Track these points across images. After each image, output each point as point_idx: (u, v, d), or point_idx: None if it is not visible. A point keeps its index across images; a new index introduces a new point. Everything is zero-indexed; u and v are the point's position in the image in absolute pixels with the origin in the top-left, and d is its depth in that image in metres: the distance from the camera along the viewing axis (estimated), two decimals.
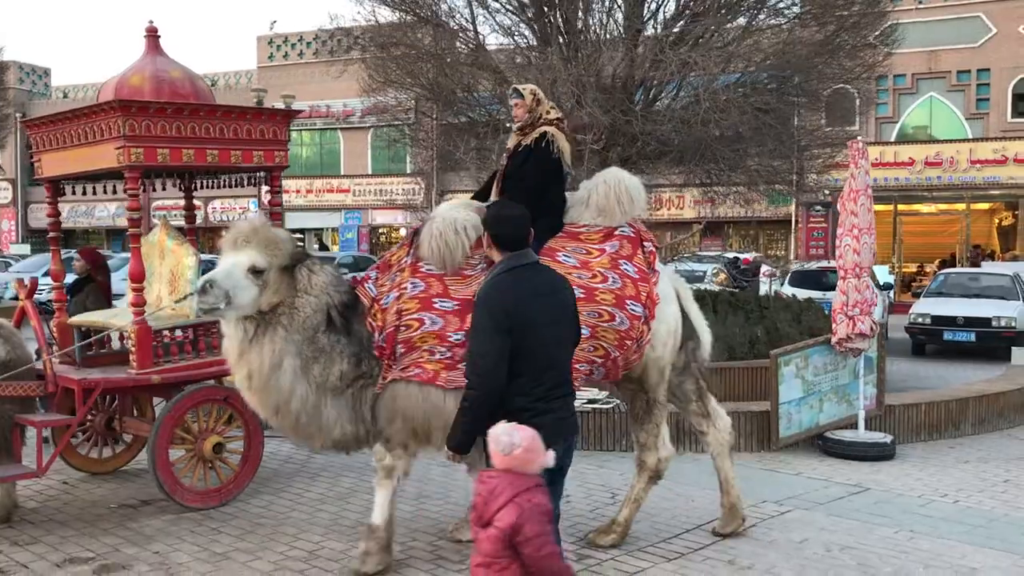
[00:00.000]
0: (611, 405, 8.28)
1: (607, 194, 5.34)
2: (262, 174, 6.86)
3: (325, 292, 4.80)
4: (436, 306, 4.83)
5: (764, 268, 23.22)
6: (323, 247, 33.70)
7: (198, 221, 7.93)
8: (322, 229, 35.43)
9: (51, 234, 6.92)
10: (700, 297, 12.16)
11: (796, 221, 29.01)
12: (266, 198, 6.84)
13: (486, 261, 4.78)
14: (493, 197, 5.28)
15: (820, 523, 6.00)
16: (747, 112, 10.08)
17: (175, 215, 36.26)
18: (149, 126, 5.97)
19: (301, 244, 5.03)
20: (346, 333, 4.83)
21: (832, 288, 16.27)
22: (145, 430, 6.70)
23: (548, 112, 5.26)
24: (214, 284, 4.61)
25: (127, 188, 6.04)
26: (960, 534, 5.77)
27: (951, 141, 26.95)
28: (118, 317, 6.48)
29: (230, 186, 7.41)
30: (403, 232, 32.50)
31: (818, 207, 28.06)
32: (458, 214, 4.96)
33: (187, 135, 6.14)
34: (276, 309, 4.74)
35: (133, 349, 6.06)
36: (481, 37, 12.25)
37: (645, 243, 5.39)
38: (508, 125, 5.51)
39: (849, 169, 8.15)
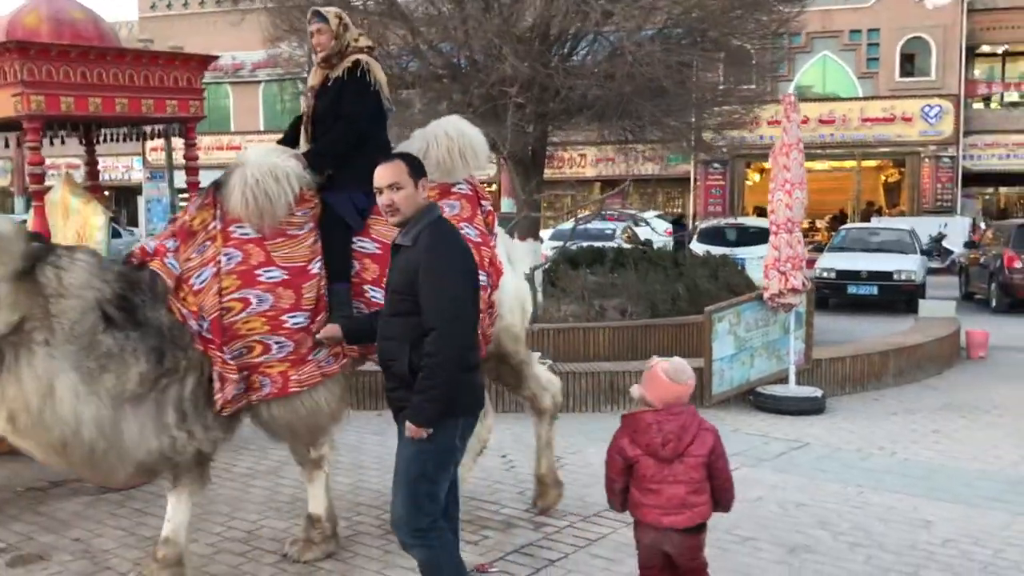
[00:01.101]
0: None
1: (449, 148, 4.69)
2: (175, 126, 6.34)
3: (89, 288, 3.74)
4: (261, 279, 4.11)
5: (666, 227, 23.50)
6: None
7: (80, 179, 7.23)
8: None
9: None
10: (619, 255, 12.21)
11: (695, 179, 29.43)
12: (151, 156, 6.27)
13: (311, 218, 4.33)
14: (303, 145, 4.65)
15: (769, 480, 5.97)
16: (671, 67, 9.93)
17: (52, 174, 34.39)
18: (51, 71, 5.41)
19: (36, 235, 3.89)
20: (135, 325, 3.88)
21: (737, 244, 16.72)
22: None
23: (357, 39, 4.65)
24: None
25: (27, 140, 5.46)
26: (906, 487, 5.82)
27: (843, 99, 27.73)
28: None
29: (116, 141, 6.81)
30: None
31: (716, 165, 28.54)
32: (276, 159, 4.24)
33: (93, 82, 5.59)
34: (22, 326, 3.62)
35: None
36: None
37: (483, 202, 4.90)
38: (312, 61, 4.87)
39: (781, 124, 8.11)
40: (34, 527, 5.07)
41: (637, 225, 21.84)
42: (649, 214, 24.55)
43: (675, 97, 11.77)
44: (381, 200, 3.55)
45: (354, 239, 4.43)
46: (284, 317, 4.14)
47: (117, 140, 6.81)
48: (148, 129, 6.65)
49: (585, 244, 13.52)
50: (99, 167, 7.03)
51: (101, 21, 6.16)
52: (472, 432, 3.68)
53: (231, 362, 4.06)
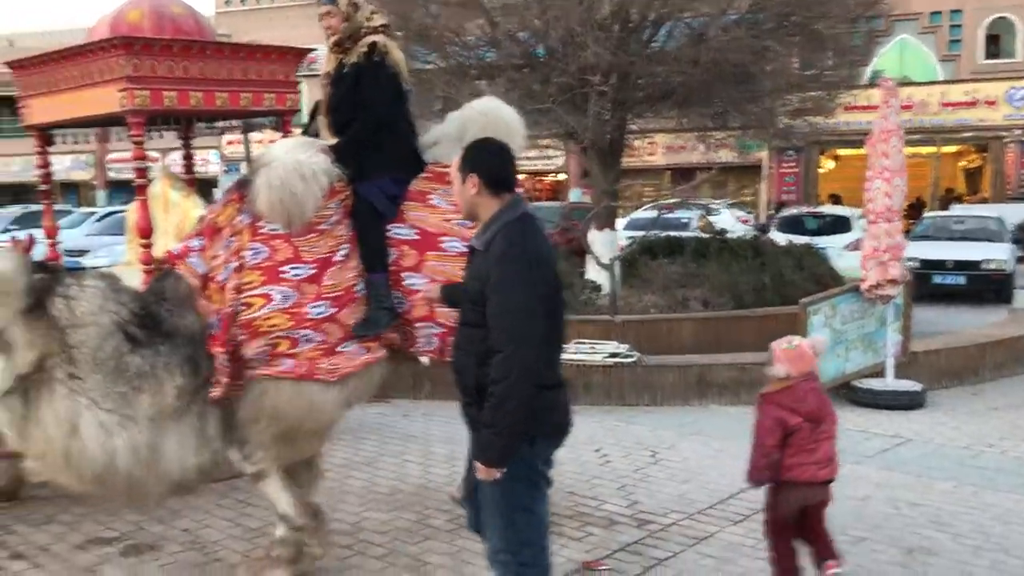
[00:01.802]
0: (633, 358, 8.00)
1: (484, 127, 4.43)
2: (272, 119, 6.37)
3: (104, 313, 3.65)
4: (286, 275, 3.93)
5: (740, 215, 23.14)
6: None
7: (156, 173, 7.26)
8: None
9: (42, 187, 6.37)
10: (700, 245, 12.01)
11: (768, 167, 28.87)
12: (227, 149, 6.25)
13: (343, 210, 4.17)
14: (325, 136, 4.43)
15: (875, 478, 5.79)
16: (756, 52, 9.69)
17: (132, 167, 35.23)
18: (154, 66, 5.42)
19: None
20: (163, 339, 3.77)
21: (817, 233, 16.31)
22: None
23: (371, 18, 4.38)
24: None
25: (131, 135, 5.51)
26: (1021, 487, 5.60)
27: (923, 84, 26.89)
28: (124, 276, 5.98)
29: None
30: None
31: (790, 152, 27.93)
32: (301, 155, 4.02)
33: (195, 76, 5.59)
34: (43, 363, 3.55)
35: None
36: None
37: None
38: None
39: (879, 109, 7.85)
40: (143, 518, 5.14)
41: (709, 214, 21.55)
42: (719, 203, 24.23)
43: (758, 83, 11.53)
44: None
45: (389, 226, 4.26)
46: (307, 309, 3.95)
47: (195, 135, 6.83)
48: (223, 123, 6.71)
49: (661, 234, 13.33)
50: (193, 161, 7.08)
51: (200, 15, 6.20)
52: (551, 457, 3.27)
53: (226, 365, 3.84)
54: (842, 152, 29.16)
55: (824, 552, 4.11)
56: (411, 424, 7.28)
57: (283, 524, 4.19)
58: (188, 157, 7.00)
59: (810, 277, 11.25)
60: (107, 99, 5.48)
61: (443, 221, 4.32)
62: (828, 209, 18.70)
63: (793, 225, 16.54)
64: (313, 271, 3.99)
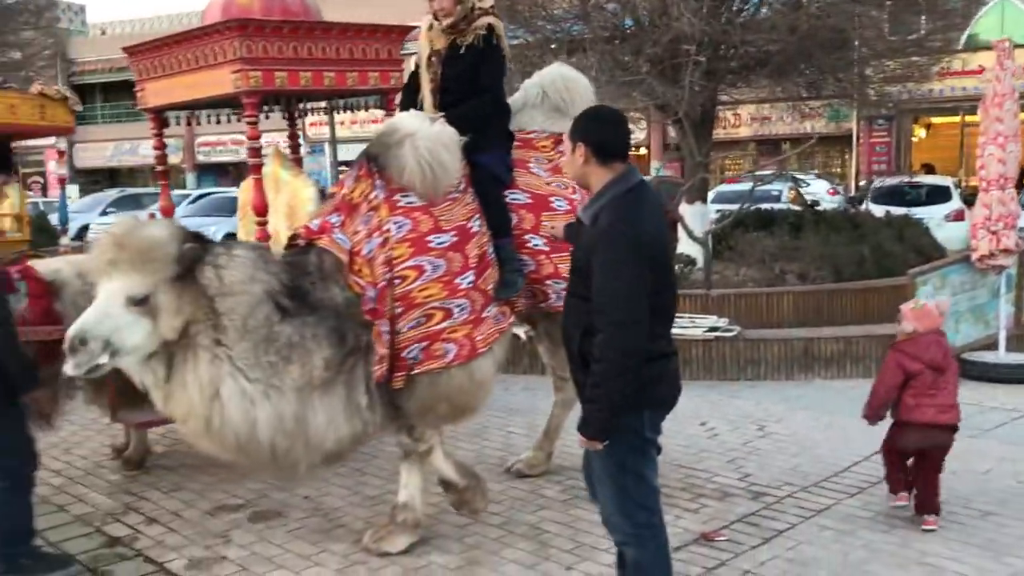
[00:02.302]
0: (734, 332, 7.92)
1: (564, 90, 4.79)
2: (374, 98, 6.46)
3: (254, 282, 3.70)
4: (432, 245, 4.05)
5: (829, 187, 22.57)
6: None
7: (231, 157, 7.37)
8: None
9: (158, 167, 6.58)
10: (798, 217, 11.77)
11: (857, 136, 28.06)
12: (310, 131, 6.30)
13: (466, 180, 4.30)
14: (430, 110, 4.54)
15: (996, 452, 5.65)
16: (858, 17, 9.42)
17: (219, 150, 36.10)
18: (266, 47, 5.54)
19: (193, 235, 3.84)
20: (310, 310, 3.81)
21: (915, 204, 15.81)
22: None
23: None
24: (86, 338, 3.46)
25: (246, 116, 5.65)
26: None
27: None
28: None
29: (273, 118, 6.93)
30: None
31: (881, 120, 27.10)
32: (440, 127, 4.15)
33: (304, 56, 5.70)
34: (188, 329, 3.63)
35: None
36: None
37: None
38: (435, 23, 4.61)
39: (993, 71, 7.56)
40: (265, 485, 5.31)
41: (800, 186, 21.07)
42: (808, 174, 23.68)
43: (853, 49, 11.22)
44: None
45: (505, 193, 4.52)
46: (458, 280, 4.10)
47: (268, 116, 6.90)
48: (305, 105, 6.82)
49: (751, 206, 13.10)
50: (298, 140, 7.22)
51: None
52: (660, 428, 3.29)
53: (386, 334, 3.95)
54: (935, 120, 28.18)
55: (928, 505, 4.56)
56: (512, 397, 7.34)
57: (443, 489, 4.52)
58: (293, 137, 7.14)
59: (911, 249, 10.94)
60: (221, 81, 5.62)
61: (546, 184, 4.66)
62: (926, 179, 18.07)
63: (889, 196, 16.05)
64: (455, 239, 4.13)
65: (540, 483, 5.24)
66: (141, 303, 3.56)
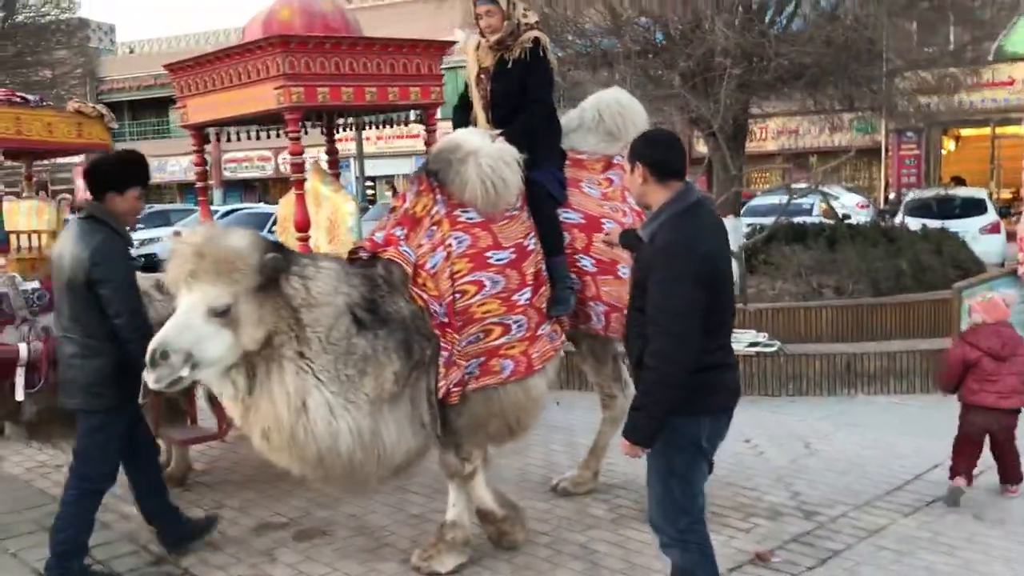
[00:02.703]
0: (774, 347, 7.81)
1: (622, 114, 4.80)
2: (415, 112, 6.44)
3: (337, 294, 3.67)
4: (491, 261, 4.07)
5: (859, 200, 22.35)
6: (396, 193, 33.56)
7: (269, 172, 7.34)
8: (393, 176, 35.15)
9: (198, 184, 6.59)
10: (834, 231, 11.64)
11: (886, 149, 27.83)
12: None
13: (523, 197, 4.29)
14: (484, 127, 4.59)
15: None
16: (896, 29, 9.33)
17: (245, 167, 36.35)
18: (308, 63, 5.53)
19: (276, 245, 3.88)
20: (381, 323, 3.79)
21: (949, 217, 15.60)
22: None
23: (525, 15, 4.53)
24: (168, 351, 3.40)
25: (288, 131, 5.65)
26: None
27: None
28: None
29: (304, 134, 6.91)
30: None
31: (910, 133, 26.87)
32: (501, 145, 4.16)
33: (346, 72, 5.68)
34: (271, 341, 3.58)
35: None
36: None
37: None
38: (482, 41, 4.69)
39: None
40: (308, 503, 5.28)
41: (829, 199, 20.87)
42: (837, 188, 23.46)
43: (888, 61, 11.12)
44: None
45: (559, 211, 4.52)
46: (515, 296, 4.12)
47: (306, 133, 6.85)
48: (341, 120, 6.81)
49: (783, 219, 12.98)
50: (338, 156, 7.20)
51: (346, 12, 6.30)
52: (721, 435, 3.42)
53: (462, 347, 3.98)
54: (965, 132, 27.91)
55: (1009, 475, 5.15)
56: (551, 414, 7.22)
57: (480, 520, 4.39)
58: (332, 152, 7.12)
59: (949, 262, 10.82)
60: (263, 97, 5.62)
61: (599, 206, 4.62)
62: (961, 191, 17.86)
63: (922, 209, 15.87)
64: (513, 256, 4.14)
65: (587, 502, 5.17)
66: (222, 314, 3.49)
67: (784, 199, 14.06)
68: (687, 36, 10.61)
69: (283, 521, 5.02)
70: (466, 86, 4.83)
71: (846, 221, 14.41)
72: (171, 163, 38.58)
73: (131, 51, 39.82)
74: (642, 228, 3.40)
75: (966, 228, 13.94)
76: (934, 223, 13.72)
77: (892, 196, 25.94)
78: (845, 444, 6.18)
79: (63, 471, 5.89)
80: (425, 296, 3.92)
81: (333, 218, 6.08)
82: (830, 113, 12.71)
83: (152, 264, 19.62)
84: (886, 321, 9.13)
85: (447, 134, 4.54)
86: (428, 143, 6.33)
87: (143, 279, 5.72)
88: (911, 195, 18.97)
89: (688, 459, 3.28)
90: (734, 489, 5.29)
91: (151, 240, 22.00)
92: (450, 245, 4.02)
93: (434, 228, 4.06)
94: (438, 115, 6.27)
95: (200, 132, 6.42)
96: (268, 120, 6.37)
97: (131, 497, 5.29)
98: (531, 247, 4.26)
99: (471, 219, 4.09)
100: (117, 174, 4.32)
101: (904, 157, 27.50)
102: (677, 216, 3.21)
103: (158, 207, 28.41)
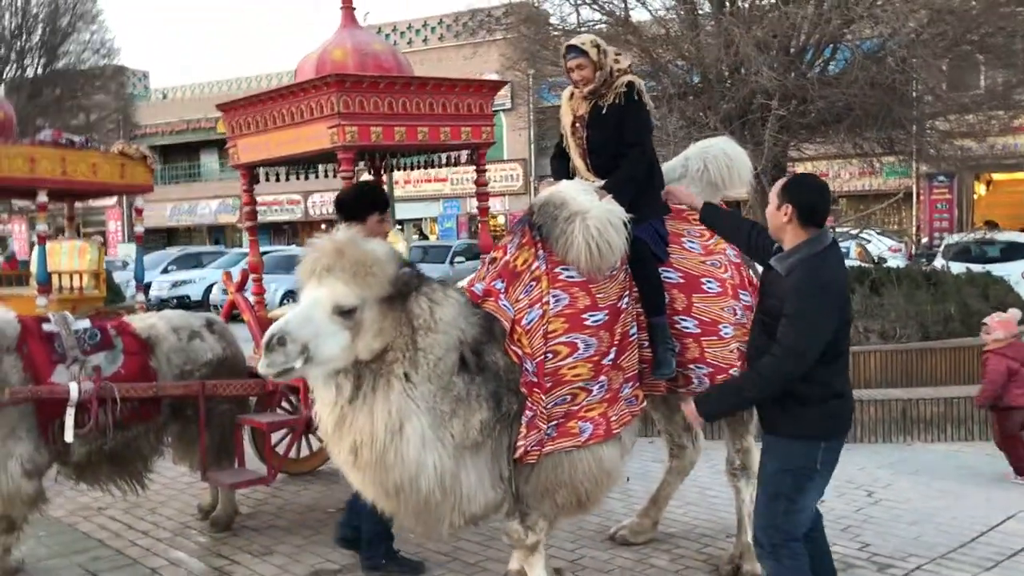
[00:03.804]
0: None
1: (726, 167, 4.69)
2: (464, 153, 6.40)
3: (456, 327, 3.62)
4: (587, 323, 3.94)
5: (891, 244, 22.16)
6: (423, 237, 33.64)
7: (298, 215, 7.26)
8: (421, 219, 35.31)
9: (248, 224, 6.56)
10: (878, 276, 11.46)
11: (917, 193, 27.62)
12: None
13: (624, 255, 4.13)
14: (587, 177, 4.45)
15: None
16: (941, 71, 9.24)
17: (275, 209, 36.63)
18: (362, 102, 5.51)
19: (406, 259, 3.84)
20: (479, 370, 3.72)
21: (988, 260, 15.38)
22: None
23: (617, 60, 4.43)
24: (286, 338, 3.37)
25: (341, 170, 5.60)
26: None
27: None
28: None
29: (330, 176, 6.88)
30: (501, 220, 32.21)
31: (941, 178, 26.66)
32: (610, 205, 4.04)
33: (399, 111, 5.66)
34: (384, 356, 3.52)
35: None
36: (629, 11, 11.62)
37: None
38: (575, 91, 4.58)
39: None
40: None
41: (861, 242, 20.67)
42: (871, 232, 23.24)
43: (927, 104, 11.02)
44: None
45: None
46: (603, 359, 3.97)
47: (309, 178, 6.86)
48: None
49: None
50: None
51: (398, 52, 6.31)
52: (835, 460, 3.62)
53: (548, 409, 3.84)
54: (997, 177, 27.69)
55: None
56: None
57: None
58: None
59: (997, 306, 10.53)
60: (317, 136, 5.59)
61: (700, 264, 4.42)
62: (1002, 235, 17.64)
63: (963, 253, 15.65)
64: (607, 318, 3.99)
65: (647, 552, 4.99)
66: (347, 315, 3.45)
67: (840, 241, 13.93)
68: (722, 78, 10.58)
69: (335, 568, 4.87)
70: (561, 136, 4.72)
71: (883, 265, 14.26)
72: (201, 206, 39.00)
73: (164, 96, 40.46)
74: (777, 260, 3.51)
75: (1008, 272, 13.69)
76: (975, 267, 13.53)
77: (924, 240, 25.71)
78: (910, 494, 5.97)
79: (107, 514, 5.86)
80: (519, 352, 3.80)
81: None
82: (869, 156, 12.58)
83: (185, 306, 19.78)
84: (937, 366, 8.89)
85: (549, 184, 4.40)
86: (478, 183, 6.32)
87: (194, 318, 5.70)
88: (950, 239, 18.73)
89: (799, 483, 3.50)
90: None
91: (184, 282, 22.19)
92: (547, 303, 3.89)
93: (533, 284, 3.95)
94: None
95: (250, 172, 6.39)
96: (318, 160, 6.35)
97: (176, 541, 5.19)
98: (624, 306, 4.11)
99: (571, 278, 3.96)
100: (353, 205, 4.57)
101: (936, 201, 27.28)
102: (815, 256, 3.40)
103: (191, 249, 28.72)
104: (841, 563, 4.75)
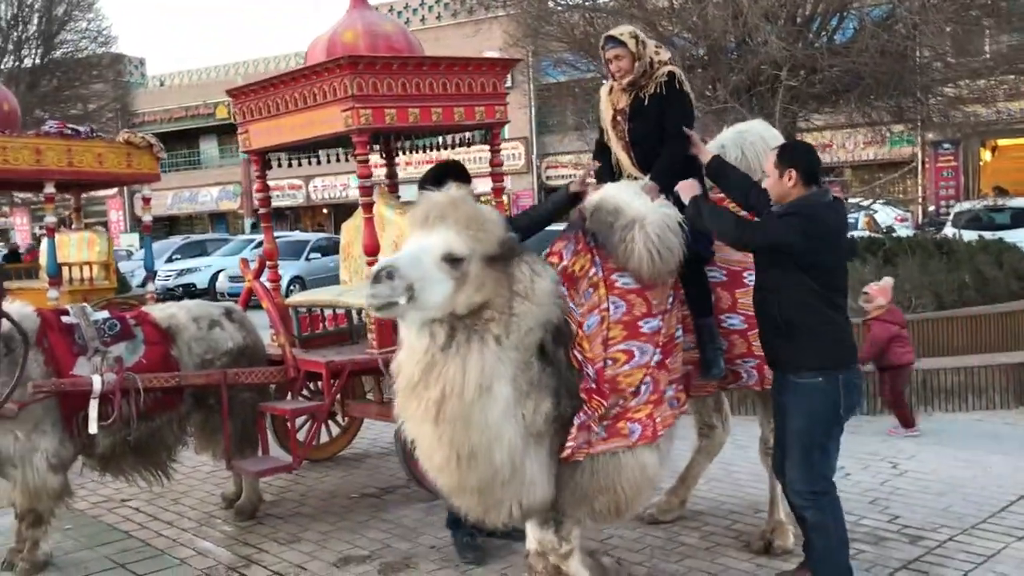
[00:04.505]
0: None
1: (764, 153, 4.43)
2: (477, 132, 6.33)
3: (548, 303, 3.58)
4: (643, 329, 3.89)
5: (897, 213, 22.10)
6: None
7: (300, 200, 7.19)
8: None
9: (262, 210, 6.49)
10: (891, 246, 11.40)
11: (923, 161, 27.47)
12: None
13: None
14: (631, 171, 4.38)
15: None
16: (955, 36, 9.14)
17: (276, 195, 36.49)
18: (376, 84, 5.42)
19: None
20: (550, 362, 3.64)
21: (999, 228, 15.28)
22: (372, 413, 6.27)
23: (657, 52, 4.36)
24: (394, 272, 3.33)
25: (356, 154, 5.53)
26: None
27: None
28: (345, 295, 6.04)
29: (331, 161, 6.82)
30: (504, 199, 32.01)
31: (947, 145, 26.52)
32: (666, 209, 3.94)
33: (412, 92, 5.57)
34: (480, 312, 3.47)
35: (372, 327, 5.60)
36: None
37: None
38: (614, 84, 4.47)
39: None
40: (386, 535, 5.12)
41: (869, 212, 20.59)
42: (879, 201, 23.14)
43: (939, 71, 10.91)
44: None
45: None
46: (653, 361, 3.92)
47: (311, 163, 6.79)
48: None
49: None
50: (397, 179, 7.07)
51: (408, 32, 6.23)
52: (854, 399, 3.84)
53: (593, 415, 3.71)
54: (1002, 142, 27.52)
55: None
56: None
57: None
58: (392, 176, 7.01)
59: (1011, 274, 10.51)
60: (331, 119, 5.51)
61: (739, 257, 4.32)
62: (1013, 202, 17.53)
63: (973, 220, 15.56)
64: (660, 323, 3.93)
65: (677, 530, 4.97)
66: (455, 264, 3.40)
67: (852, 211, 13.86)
68: (732, 50, 10.48)
69: (364, 554, 4.85)
70: (601, 131, 4.61)
71: (892, 235, 14.17)
72: (202, 193, 38.89)
73: (161, 84, 40.24)
74: (779, 207, 3.79)
75: (1019, 238, 13.60)
76: (986, 234, 13.44)
77: (931, 208, 25.61)
78: (936, 464, 5.94)
79: (130, 505, 5.85)
80: (580, 358, 3.70)
81: (398, 242, 5.92)
82: (878, 125, 12.48)
83: (191, 294, 19.73)
84: (954, 335, 8.85)
85: (599, 189, 4.20)
86: (493, 163, 6.25)
87: (213, 307, 5.66)
88: (960, 207, 18.62)
89: (827, 429, 3.77)
90: None
91: (188, 270, 22.13)
92: (606, 310, 3.82)
93: (591, 290, 3.87)
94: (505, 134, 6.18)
95: (262, 158, 6.33)
96: (330, 144, 6.28)
97: (202, 531, 5.18)
98: (672, 308, 4.06)
99: (627, 284, 3.88)
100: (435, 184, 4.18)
101: (941, 169, 27.14)
102: (818, 203, 3.73)
103: (195, 237, 28.64)
104: (872, 536, 4.76)
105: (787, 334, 3.74)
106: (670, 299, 4.06)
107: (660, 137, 4.31)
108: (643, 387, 3.87)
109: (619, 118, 4.43)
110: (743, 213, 4.10)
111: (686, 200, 3.97)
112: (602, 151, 4.62)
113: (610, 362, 3.78)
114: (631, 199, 3.97)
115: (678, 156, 4.28)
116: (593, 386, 3.69)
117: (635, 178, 4.35)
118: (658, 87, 4.27)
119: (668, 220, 3.89)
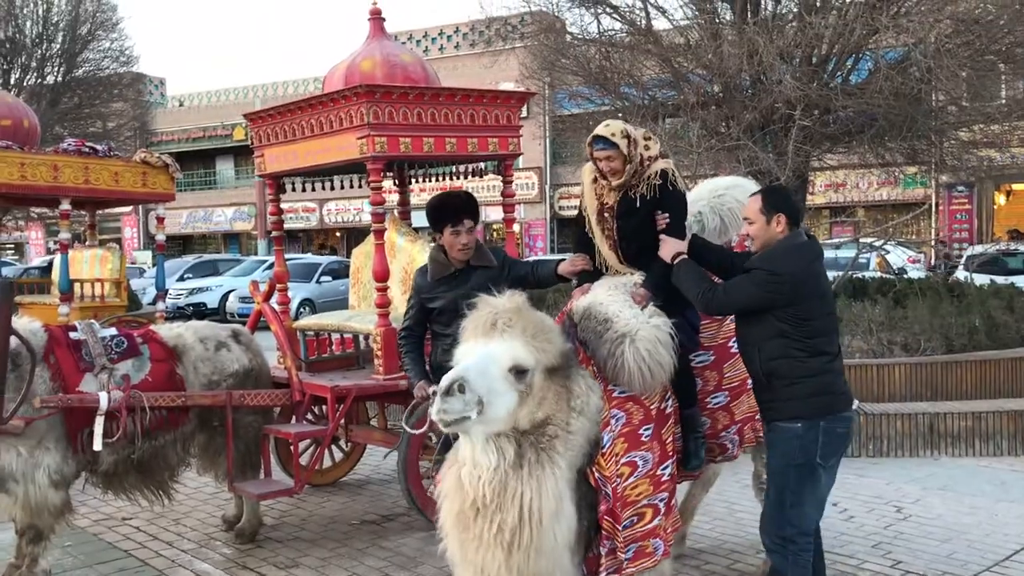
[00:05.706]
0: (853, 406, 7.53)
1: (734, 210, 4.59)
2: (490, 164, 6.38)
3: (596, 420, 3.49)
4: (643, 438, 3.70)
5: (910, 255, 22.04)
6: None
7: (313, 223, 7.24)
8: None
9: (274, 233, 6.55)
10: (901, 287, 11.38)
11: (936, 204, 27.45)
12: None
13: None
14: (619, 267, 4.14)
15: None
16: (969, 81, 9.17)
17: (289, 217, 36.70)
18: (392, 113, 5.50)
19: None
20: (578, 479, 3.51)
21: (1014, 272, 15.21)
22: (375, 439, 6.28)
23: (647, 147, 4.07)
24: (466, 385, 3.15)
25: (370, 181, 5.59)
26: None
27: None
28: (353, 320, 6.06)
29: (346, 187, 6.88)
30: (516, 228, 32.17)
31: (961, 187, 26.49)
32: (656, 321, 3.75)
33: (428, 122, 5.65)
34: (544, 428, 3.32)
35: (379, 353, 5.61)
36: (651, 20, 11.58)
37: None
38: (600, 180, 4.20)
39: None
40: (384, 563, 5.10)
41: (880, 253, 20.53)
42: (890, 243, 23.11)
43: (951, 114, 10.93)
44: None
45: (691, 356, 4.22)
46: (659, 471, 3.74)
47: (326, 188, 6.82)
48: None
49: (852, 274, 12.72)
50: (409, 207, 7.11)
51: (425, 63, 6.31)
52: (839, 453, 3.76)
53: (621, 533, 3.56)
54: (1016, 187, 27.50)
55: None
56: None
57: None
58: (404, 203, 7.06)
59: (1023, 319, 10.46)
60: (346, 146, 5.58)
61: (724, 328, 4.34)
62: None
63: (986, 264, 15.51)
64: (655, 426, 3.79)
65: (677, 567, 4.87)
66: (520, 376, 3.27)
67: (837, 253, 13.88)
68: (746, 88, 10.53)
69: None
70: (584, 220, 4.28)
71: (904, 276, 14.14)
72: (217, 213, 39.12)
73: (180, 104, 40.63)
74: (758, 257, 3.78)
75: None
76: (999, 279, 13.39)
77: (944, 251, 25.54)
78: (940, 510, 5.89)
79: (131, 524, 5.85)
80: (596, 476, 3.53)
81: (408, 269, 5.98)
82: (891, 167, 12.50)
83: (202, 314, 19.77)
84: (962, 379, 8.78)
85: (588, 291, 4.05)
86: (505, 194, 6.29)
87: (220, 328, 5.69)
88: (973, 250, 18.57)
89: (801, 477, 3.66)
90: (831, 557, 4.99)
91: (199, 289, 22.20)
92: (609, 423, 3.62)
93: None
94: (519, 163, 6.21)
95: (277, 182, 6.39)
96: (344, 170, 6.35)
97: (202, 552, 5.16)
98: (668, 409, 3.90)
99: (623, 393, 3.68)
100: (432, 216, 4.52)
101: (955, 211, 27.10)
102: (794, 245, 3.72)
103: (207, 257, 28.75)
104: None
105: (768, 387, 3.72)
106: (668, 397, 3.91)
107: (652, 235, 4.06)
108: (661, 504, 3.71)
109: (607, 215, 4.15)
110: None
111: (667, 258, 3.91)
112: (585, 244, 4.29)
113: (618, 478, 3.57)
114: (621, 309, 3.78)
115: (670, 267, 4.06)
116: (611, 507, 3.52)
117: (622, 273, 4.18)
118: (651, 189, 4.03)
119: (659, 334, 3.70)
